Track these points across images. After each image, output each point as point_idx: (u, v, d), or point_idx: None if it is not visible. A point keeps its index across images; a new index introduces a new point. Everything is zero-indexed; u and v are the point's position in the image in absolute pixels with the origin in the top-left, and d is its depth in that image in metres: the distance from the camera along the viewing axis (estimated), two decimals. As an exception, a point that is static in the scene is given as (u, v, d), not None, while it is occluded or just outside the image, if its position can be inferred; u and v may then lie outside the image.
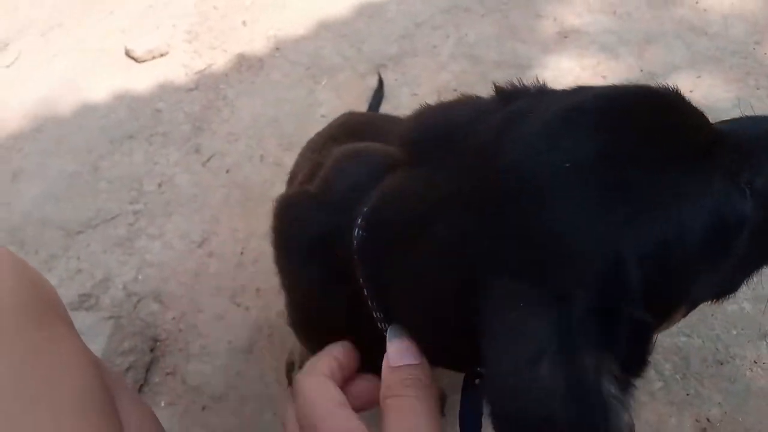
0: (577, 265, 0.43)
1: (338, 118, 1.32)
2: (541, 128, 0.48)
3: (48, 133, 2.25)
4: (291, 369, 1.40)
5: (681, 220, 0.45)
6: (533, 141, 0.48)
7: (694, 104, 0.52)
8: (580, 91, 0.53)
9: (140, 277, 1.75)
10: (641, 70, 1.69)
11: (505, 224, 0.46)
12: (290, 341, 1.42)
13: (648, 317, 0.44)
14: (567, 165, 0.45)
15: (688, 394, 1.16)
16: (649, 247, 0.44)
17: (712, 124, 0.52)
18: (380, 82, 1.94)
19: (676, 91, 0.51)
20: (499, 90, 0.57)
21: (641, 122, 0.48)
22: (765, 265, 0.57)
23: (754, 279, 0.57)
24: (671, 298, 0.50)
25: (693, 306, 0.55)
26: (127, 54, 2.41)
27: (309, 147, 1.22)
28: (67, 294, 1.75)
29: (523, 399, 0.42)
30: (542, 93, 0.56)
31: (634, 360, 0.45)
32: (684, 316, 0.55)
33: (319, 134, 1.26)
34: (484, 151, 0.50)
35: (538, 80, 0.56)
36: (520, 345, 0.43)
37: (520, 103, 0.53)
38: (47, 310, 0.65)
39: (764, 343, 1.19)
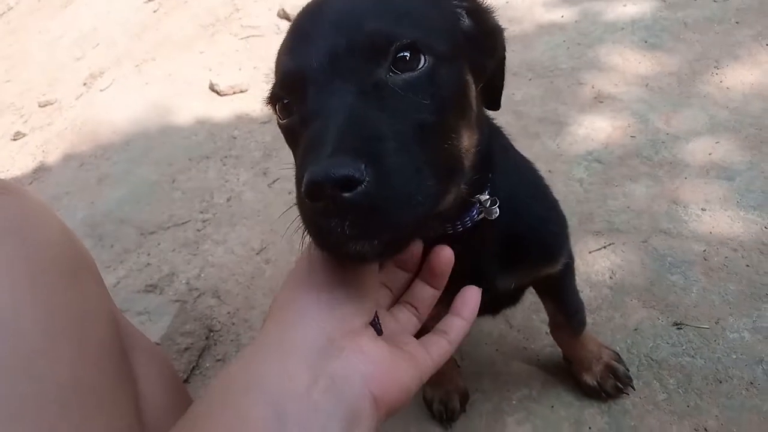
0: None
1: None
2: None
3: (135, 146, 2.53)
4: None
5: None
6: None
7: None
8: None
9: (202, 275, 1.94)
10: (666, 134, 1.88)
11: None
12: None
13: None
14: None
15: (688, 406, 1.28)
16: None
17: None
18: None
19: None
20: None
21: None
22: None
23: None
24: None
25: None
26: (211, 88, 2.71)
27: None
28: (135, 283, 1.95)
29: None
30: None
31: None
32: None
33: None
34: None
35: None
36: None
37: None
38: (82, 266, 0.70)
39: (760, 368, 1.30)
